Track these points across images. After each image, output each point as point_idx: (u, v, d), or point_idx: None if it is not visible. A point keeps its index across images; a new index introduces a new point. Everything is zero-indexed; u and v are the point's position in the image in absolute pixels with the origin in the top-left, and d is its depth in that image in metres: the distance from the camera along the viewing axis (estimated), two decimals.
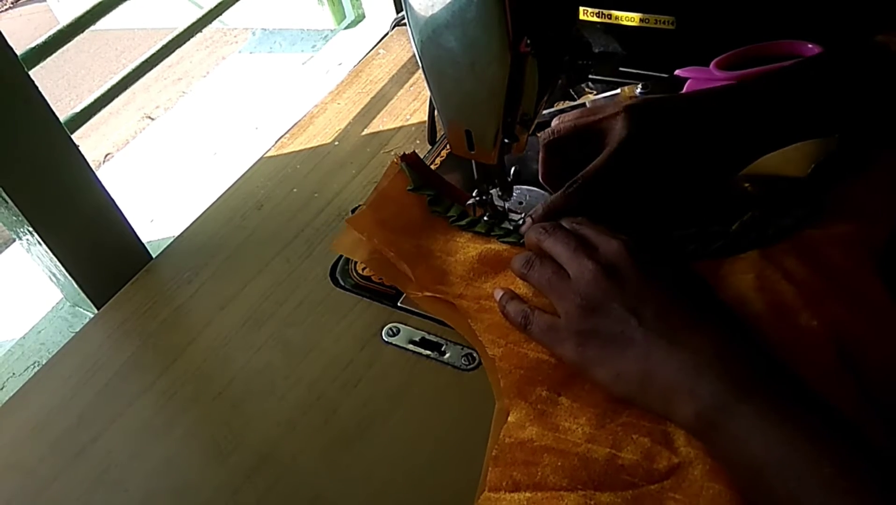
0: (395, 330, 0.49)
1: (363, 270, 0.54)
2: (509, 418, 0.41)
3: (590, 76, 0.66)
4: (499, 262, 0.50)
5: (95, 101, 0.78)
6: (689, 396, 0.36)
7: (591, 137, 0.46)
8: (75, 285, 0.61)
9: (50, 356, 0.54)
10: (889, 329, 0.39)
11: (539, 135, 0.49)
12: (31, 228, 0.56)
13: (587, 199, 0.46)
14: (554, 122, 0.48)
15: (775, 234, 0.46)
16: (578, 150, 0.47)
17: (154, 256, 0.62)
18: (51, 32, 0.68)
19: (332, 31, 1.21)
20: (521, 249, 0.51)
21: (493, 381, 0.44)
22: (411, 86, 0.74)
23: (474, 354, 0.46)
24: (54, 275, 0.62)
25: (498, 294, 0.47)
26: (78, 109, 0.76)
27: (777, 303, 0.41)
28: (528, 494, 0.37)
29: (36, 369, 0.56)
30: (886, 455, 0.32)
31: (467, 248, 0.51)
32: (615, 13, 0.66)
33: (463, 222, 0.53)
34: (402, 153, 0.56)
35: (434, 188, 0.55)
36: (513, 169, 0.51)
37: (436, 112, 0.47)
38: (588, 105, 0.63)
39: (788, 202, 0.47)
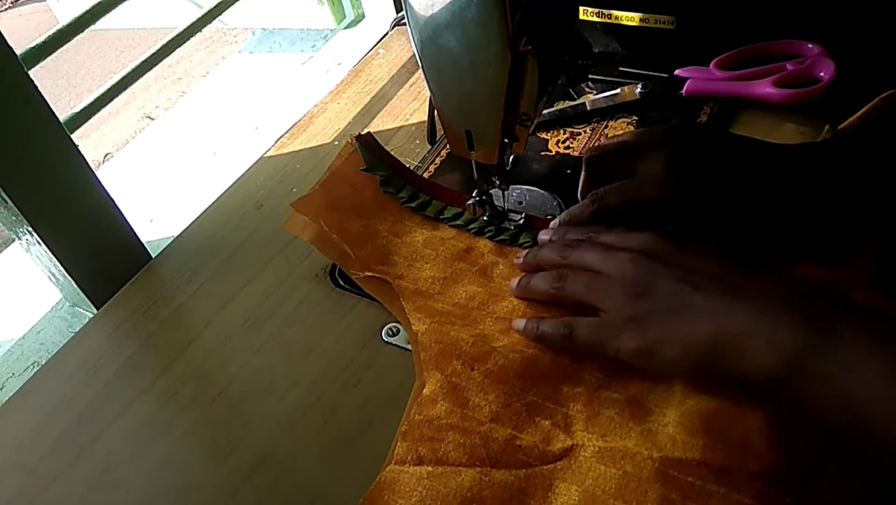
0: (394, 330, 0.49)
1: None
2: (424, 391, 0.42)
3: (590, 76, 0.67)
4: (443, 247, 0.51)
5: (95, 100, 0.77)
6: (766, 345, 0.34)
7: (629, 156, 0.45)
8: (75, 285, 0.61)
9: (49, 356, 0.54)
10: None
11: (583, 154, 0.48)
12: (30, 228, 0.56)
13: (609, 214, 0.45)
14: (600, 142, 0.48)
15: None
16: (617, 169, 0.46)
17: (154, 255, 0.62)
18: (50, 32, 0.68)
19: (331, 30, 1.20)
20: (466, 234, 0.52)
21: (415, 360, 0.45)
22: (411, 86, 0.74)
23: None
24: (53, 275, 0.62)
25: (520, 324, 0.44)
26: (78, 109, 0.76)
27: None
28: (429, 469, 0.38)
29: (35, 369, 0.56)
30: None
31: (414, 232, 0.53)
32: (615, 13, 0.66)
33: (413, 204, 0.54)
34: (356, 134, 0.57)
35: (387, 169, 0.56)
36: (511, 157, 0.50)
37: (436, 112, 0.47)
38: (587, 104, 0.63)
39: None
